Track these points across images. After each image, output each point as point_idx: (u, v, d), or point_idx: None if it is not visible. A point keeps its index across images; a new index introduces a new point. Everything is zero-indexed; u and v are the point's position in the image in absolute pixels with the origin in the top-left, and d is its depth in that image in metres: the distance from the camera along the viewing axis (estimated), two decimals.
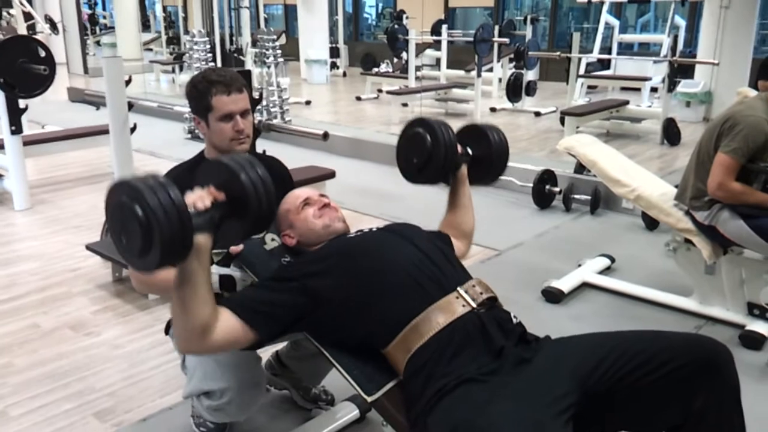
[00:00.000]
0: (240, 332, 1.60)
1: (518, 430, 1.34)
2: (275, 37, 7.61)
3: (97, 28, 17.77)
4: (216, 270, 1.82)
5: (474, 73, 8.61)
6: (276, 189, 2.02)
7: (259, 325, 1.62)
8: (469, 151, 2.15)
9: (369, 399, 1.65)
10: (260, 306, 1.64)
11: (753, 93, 3.09)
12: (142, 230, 1.33)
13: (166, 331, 2.20)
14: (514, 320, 1.68)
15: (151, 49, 14.70)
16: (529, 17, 10.29)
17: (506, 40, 9.34)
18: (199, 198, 1.47)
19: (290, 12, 16.04)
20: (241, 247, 1.83)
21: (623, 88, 9.67)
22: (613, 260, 3.76)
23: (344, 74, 13.03)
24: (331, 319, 1.69)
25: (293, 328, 1.70)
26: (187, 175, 2.04)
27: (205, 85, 1.97)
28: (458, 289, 1.66)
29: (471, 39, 8.50)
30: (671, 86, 6.91)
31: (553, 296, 3.35)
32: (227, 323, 1.58)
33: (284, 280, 1.70)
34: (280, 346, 2.42)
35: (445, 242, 1.96)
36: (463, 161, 2.13)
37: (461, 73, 10.29)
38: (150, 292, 2.03)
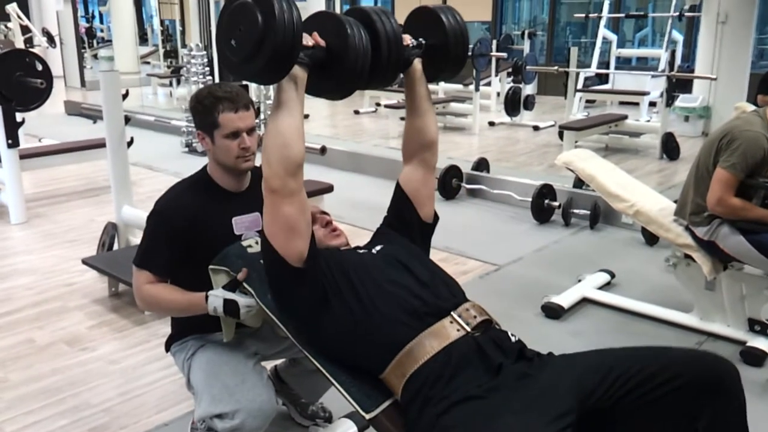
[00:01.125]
0: (305, 220, 1.65)
1: None
2: None
3: (95, 42, 17.84)
4: (222, 294, 1.82)
5: (472, 87, 8.65)
6: None
7: (312, 253, 1.67)
8: (422, 41, 1.86)
9: (367, 416, 1.63)
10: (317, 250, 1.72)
11: (751, 108, 3.09)
12: (259, 32, 1.46)
13: (167, 348, 2.17)
14: (513, 338, 1.66)
15: (148, 63, 14.74)
16: (526, 32, 10.32)
17: (504, 54, 9.35)
18: (304, 36, 1.56)
19: None
20: (246, 272, 1.81)
21: (622, 103, 9.71)
22: (612, 275, 3.75)
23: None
24: (329, 340, 1.68)
25: (299, 315, 1.71)
26: (188, 193, 2.03)
27: (212, 101, 1.95)
28: (452, 313, 1.64)
29: (469, 53, 8.53)
30: (669, 101, 6.92)
31: (552, 312, 3.33)
32: (306, 201, 1.66)
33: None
34: (279, 361, 2.40)
35: (424, 238, 1.96)
36: (415, 54, 1.85)
37: (459, 87, 10.31)
38: (150, 310, 2.01)
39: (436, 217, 2.01)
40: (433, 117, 1.96)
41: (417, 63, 1.87)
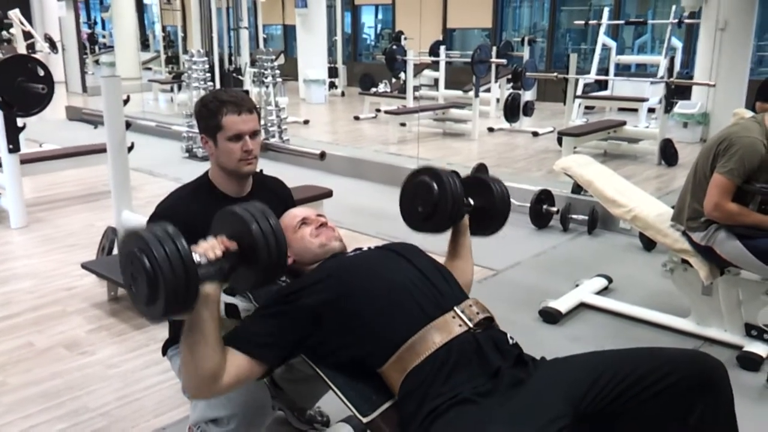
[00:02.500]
0: (248, 368, 1.61)
1: None
2: (274, 57, 7.65)
3: (97, 47, 17.87)
4: (223, 298, 1.82)
5: (472, 93, 8.67)
6: (278, 210, 2.03)
7: (265, 356, 1.64)
8: (471, 201, 2.13)
9: (364, 420, 1.64)
10: (264, 338, 1.64)
11: (749, 114, 3.10)
12: (149, 280, 1.38)
13: (164, 352, 2.18)
14: (511, 341, 1.68)
15: (149, 69, 14.76)
16: (526, 38, 10.37)
17: (504, 60, 9.40)
18: (210, 247, 1.50)
19: (289, 32, 16.14)
20: None
21: (620, 109, 9.72)
22: (610, 281, 3.76)
23: (343, 94, 13.08)
24: (328, 339, 1.68)
25: (298, 351, 1.70)
26: (189, 198, 2.04)
27: (216, 104, 1.97)
28: (455, 308, 1.66)
29: (469, 60, 8.55)
30: (668, 107, 6.94)
31: (550, 317, 3.33)
32: (235, 363, 1.59)
33: (283, 304, 1.70)
34: None
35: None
36: (466, 212, 2.11)
37: (459, 93, 10.34)
38: None
39: None
40: (471, 262, 2.15)
41: (466, 218, 2.12)
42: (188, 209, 2.00)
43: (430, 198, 2.02)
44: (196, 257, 1.46)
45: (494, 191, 2.14)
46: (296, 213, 1.97)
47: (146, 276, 1.38)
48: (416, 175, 2.10)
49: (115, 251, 3.83)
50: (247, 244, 1.52)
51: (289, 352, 1.68)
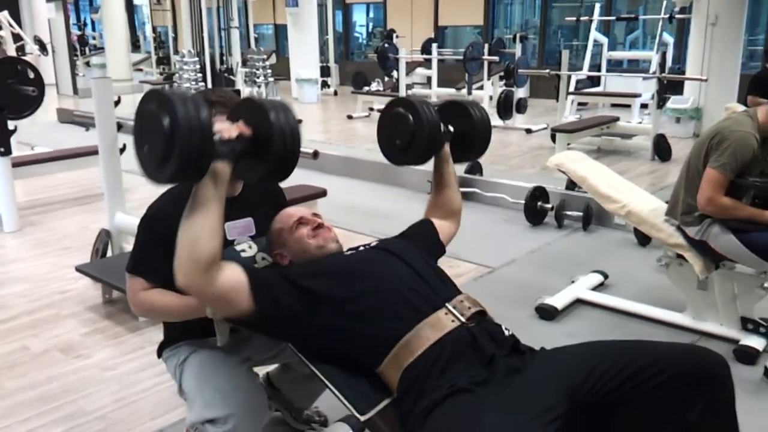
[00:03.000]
0: (241, 290, 1.62)
1: None
2: (265, 56, 7.65)
3: (87, 49, 17.81)
4: None
5: (464, 91, 8.68)
6: (269, 209, 2.02)
7: (260, 296, 1.64)
8: (451, 128, 2.11)
9: (362, 418, 1.63)
10: (265, 279, 1.68)
11: (741, 108, 3.11)
12: (166, 139, 1.41)
13: (159, 354, 2.17)
14: (506, 332, 1.69)
15: (141, 70, 14.73)
16: (518, 35, 10.36)
17: (496, 58, 9.40)
18: (226, 129, 1.53)
19: (280, 32, 16.13)
20: None
21: (613, 105, 9.74)
22: (606, 276, 3.76)
23: (335, 93, 13.08)
24: (323, 336, 1.68)
25: (284, 331, 1.71)
26: (178, 199, 2.02)
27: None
28: (447, 304, 1.67)
29: (461, 57, 8.56)
30: (661, 102, 6.95)
31: (546, 313, 3.34)
32: (233, 274, 1.61)
33: (285, 280, 1.71)
34: (271, 368, 2.40)
35: (431, 254, 1.97)
36: (446, 139, 2.10)
37: (452, 91, 10.34)
38: (147, 316, 2.01)
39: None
40: (458, 190, 2.17)
41: (447, 146, 2.10)
42: (180, 210, 1.99)
43: (406, 129, 2.01)
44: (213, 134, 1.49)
45: (473, 115, 2.12)
46: (292, 212, 1.96)
47: (163, 134, 1.41)
48: (391, 108, 2.10)
49: (109, 254, 3.81)
50: (263, 133, 1.55)
51: (277, 319, 1.67)
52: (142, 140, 1.50)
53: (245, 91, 7.36)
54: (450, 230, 2.11)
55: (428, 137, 2.00)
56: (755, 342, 2.92)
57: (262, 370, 2.32)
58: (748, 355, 2.87)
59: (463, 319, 1.63)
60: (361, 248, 1.91)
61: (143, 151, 1.50)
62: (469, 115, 2.12)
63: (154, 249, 1.98)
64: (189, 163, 1.44)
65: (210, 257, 1.54)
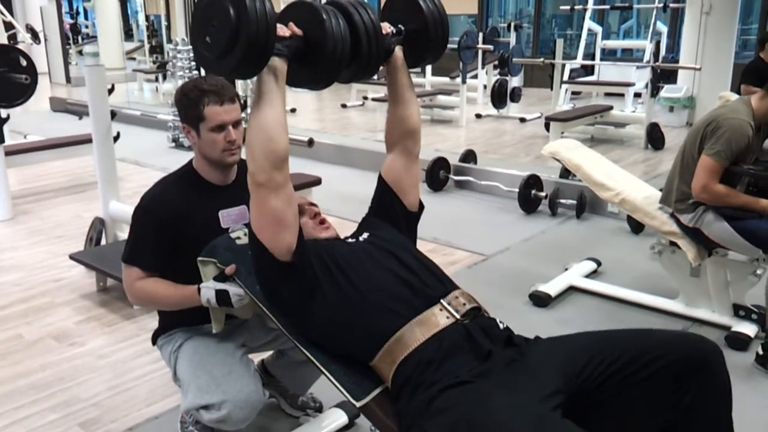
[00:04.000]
0: (292, 213, 1.66)
1: (520, 419, 1.33)
2: None
3: (80, 38, 17.69)
4: (213, 285, 1.83)
5: (459, 79, 8.65)
6: None
7: (301, 245, 1.67)
8: (402, 28, 1.84)
9: (357, 404, 1.63)
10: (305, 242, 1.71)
11: (735, 97, 3.11)
12: (231, 28, 1.46)
13: (154, 341, 2.17)
14: (501, 325, 1.67)
15: (134, 58, 14.63)
16: (512, 24, 10.33)
17: (490, 47, 9.38)
18: (280, 27, 1.56)
19: None
20: (234, 268, 1.82)
21: (607, 94, 9.74)
22: (599, 264, 3.78)
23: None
24: (317, 329, 1.69)
25: (287, 306, 1.72)
26: (174, 187, 2.03)
27: (197, 93, 1.94)
28: (441, 301, 1.65)
29: (455, 46, 8.53)
30: (654, 91, 6.96)
31: (540, 300, 3.35)
32: (293, 193, 1.65)
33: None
34: (266, 355, 2.40)
35: (408, 228, 1.96)
36: (396, 42, 1.84)
37: (446, 80, 10.32)
38: (143, 305, 2.00)
39: (421, 206, 2.01)
40: (416, 105, 1.95)
41: (398, 51, 1.86)
42: (174, 199, 1.99)
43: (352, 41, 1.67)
44: None
45: (423, 7, 1.83)
46: None
47: (230, 22, 1.45)
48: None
49: (103, 242, 3.81)
50: (316, 37, 1.59)
51: (301, 271, 1.68)
52: (203, 30, 1.53)
53: (238, 82, 7.32)
54: (408, 165, 1.95)
55: (368, 46, 1.68)
56: (747, 328, 2.94)
57: (257, 357, 2.33)
58: (739, 342, 2.89)
59: (458, 316, 1.62)
60: (350, 240, 1.88)
61: (204, 41, 1.53)
62: (417, 6, 1.82)
63: (149, 238, 1.98)
64: (254, 52, 1.48)
65: (285, 152, 1.59)
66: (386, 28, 1.81)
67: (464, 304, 1.65)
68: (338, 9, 1.67)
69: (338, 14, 1.61)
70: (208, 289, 1.83)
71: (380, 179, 1.99)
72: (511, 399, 1.39)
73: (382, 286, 1.67)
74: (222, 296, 1.82)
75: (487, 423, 1.35)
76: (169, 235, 1.96)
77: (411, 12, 1.84)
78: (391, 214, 1.95)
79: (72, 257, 3.61)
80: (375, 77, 8.35)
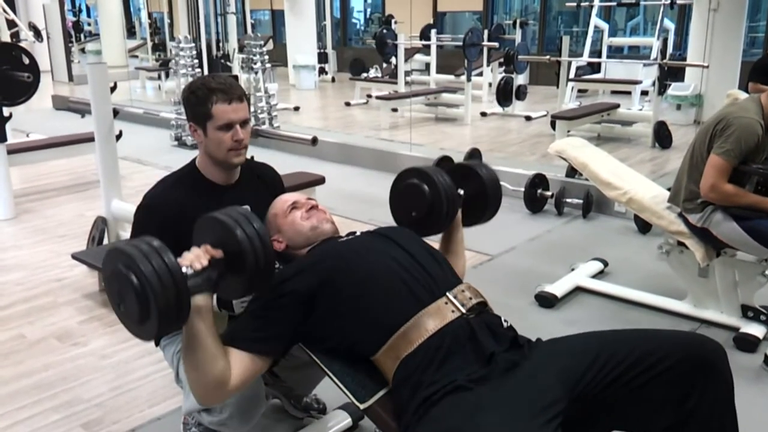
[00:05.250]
0: (254, 365, 1.60)
1: None
2: (262, 42, 7.57)
3: (82, 36, 17.66)
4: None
5: (464, 77, 8.62)
6: (267, 196, 1.99)
7: (269, 350, 1.63)
8: (461, 192, 2.02)
9: (361, 406, 1.63)
10: (263, 331, 1.62)
11: (743, 95, 3.09)
12: (139, 298, 1.34)
13: (156, 342, 2.15)
14: (505, 324, 1.66)
15: (136, 56, 14.63)
16: (518, 21, 10.31)
17: (496, 44, 9.35)
18: (195, 258, 1.47)
19: (277, 17, 16.01)
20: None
21: (614, 92, 9.69)
22: (606, 264, 3.74)
23: (333, 80, 13.01)
24: (321, 324, 1.66)
25: (297, 337, 1.69)
26: (176, 187, 2.00)
27: (205, 92, 1.92)
28: (447, 294, 1.64)
29: (460, 43, 8.50)
30: (662, 89, 6.92)
31: (546, 301, 3.32)
32: (241, 364, 1.57)
33: (276, 295, 1.66)
34: None
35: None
36: (458, 205, 2.02)
37: (451, 77, 10.29)
38: None
39: None
40: (464, 257, 2.09)
41: (458, 212, 2.03)
42: (176, 198, 1.97)
43: (422, 201, 1.93)
44: (183, 269, 1.42)
45: (483, 176, 2.06)
46: (286, 198, 1.96)
47: (135, 293, 1.34)
48: (404, 179, 2.02)
49: (106, 241, 3.79)
50: (233, 251, 1.49)
51: (290, 340, 1.66)
52: (116, 300, 1.42)
53: (242, 77, 7.29)
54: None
55: (447, 209, 1.93)
56: (755, 330, 2.91)
57: None
58: (748, 343, 2.86)
59: (463, 310, 1.61)
60: (358, 233, 1.89)
61: (120, 311, 1.42)
62: (478, 176, 2.06)
63: (154, 236, 1.95)
64: (170, 315, 1.36)
65: (220, 379, 1.53)
66: None
67: (470, 299, 1.64)
68: (422, 175, 1.94)
69: (250, 218, 1.52)
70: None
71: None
72: (500, 416, 1.38)
73: (388, 278, 1.66)
74: (223, 301, 1.80)
75: None
76: (171, 234, 1.93)
77: (471, 178, 2.06)
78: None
79: (74, 257, 3.59)
80: (379, 75, 8.29)
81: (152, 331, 1.38)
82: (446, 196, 1.92)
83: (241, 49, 8.38)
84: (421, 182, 1.94)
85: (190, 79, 4.86)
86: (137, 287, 1.33)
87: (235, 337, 1.61)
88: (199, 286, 1.46)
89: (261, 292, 1.64)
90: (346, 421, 2.31)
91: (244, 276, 1.51)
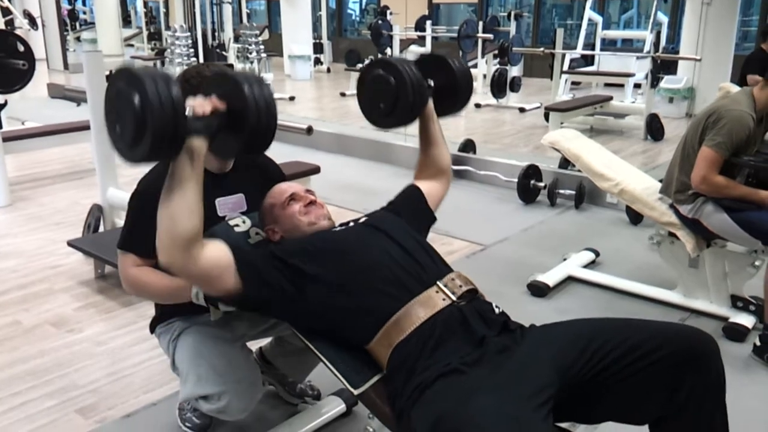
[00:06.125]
0: (226, 269, 1.60)
1: (497, 424, 1.32)
2: (258, 32, 7.58)
3: (77, 24, 17.55)
4: None
5: None
6: (262, 185, 2.00)
7: (248, 276, 1.63)
8: (431, 83, 2.02)
9: (356, 392, 1.64)
10: (255, 264, 1.65)
11: (735, 88, 3.10)
12: (136, 118, 1.37)
13: (152, 330, 2.17)
14: (497, 310, 1.68)
15: (132, 45, 14.59)
16: (512, 13, 10.28)
17: (490, 36, 9.36)
18: (199, 104, 1.49)
19: (273, 7, 15.96)
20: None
21: (607, 84, 9.72)
22: (597, 254, 3.78)
23: (328, 70, 12.99)
24: (314, 314, 1.68)
25: (274, 310, 1.71)
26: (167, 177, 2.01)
27: (199, 80, 1.91)
28: (438, 282, 1.66)
29: (455, 35, 8.51)
30: (654, 82, 6.95)
31: (538, 290, 3.35)
32: (217, 252, 1.59)
33: (274, 259, 1.69)
34: (264, 342, 2.40)
35: (421, 224, 1.98)
36: (429, 95, 2.02)
37: None
38: (136, 294, 2.00)
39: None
40: (446, 147, 2.10)
41: (430, 102, 2.02)
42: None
43: (389, 91, 1.92)
44: (187, 110, 1.46)
45: (453, 66, 2.04)
46: (284, 188, 1.94)
47: (134, 113, 1.37)
48: (370, 71, 2.01)
49: (101, 229, 3.80)
50: (237, 107, 1.52)
51: (265, 300, 1.66)
52: (113, 120, 1.46)
53: (238, 66, 7.30)
54: (439, 191, 2.07)
55: (413, 97, 1.92)
56: (744, 320, 2.95)
57: (255, 345, 2.33)
58: (737, 333, 2.89)
59: (454, 298, 1.63)
60: (351, 224, 1.89)
61: (115, 131, 1.45)
62: (448, 66, 2.04)
63: (145, 223, 1.96)
64: (162, 141, 1.40)
65: (190, 235, 1.52)
66: None
67: (460, 286, 1.66)
68: (387, 65, 1.92)
69: (261, 81, 1.56)
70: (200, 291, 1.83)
71: (417, 189, 2.05)
72: (494, 399, 1.38)
73: (379, 267, 1.67)
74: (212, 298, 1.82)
75: (468, 425, 1.35)
76: None
77: (441, 69, 2.04)
78: (417, 216, 2.00)
79: (70, 244, 3.60)
80: None
81: (142, 153, 1.42)
82: (412, 84, 1.90)
83: (236, 39, 8.38)
84: (387, 73, 1.93)
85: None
86: (137, 107, 1.36)
87: (229, 242, 1.65)
88: (198, 130, 1.48)
89: (255, 153, 1.69)
90: (341, 407, 2.33)
91: (243, 135, 1.54)
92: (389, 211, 2.00)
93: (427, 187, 2.06)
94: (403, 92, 1.91)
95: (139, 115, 1.36)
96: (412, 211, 1.98)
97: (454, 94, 2.06)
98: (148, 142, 1.38)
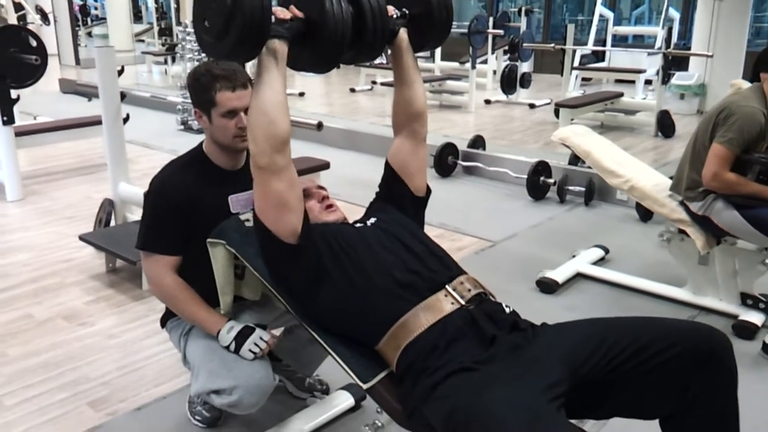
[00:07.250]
0: (296, 195, 1.67)
1: (514, 414, 1.32)
2: None
3: (89, 19, 17.65)
4: (236, 331, 1.94)
5: (468, 65, 8.60)
6: None
7: (305, 226, 1.68)
8: (405, 11, 1.87)
9: (365, 386, 1.65)
10: (311, 225, 1.73)
11: (746, 85, 3.09)
12: (227, 11, 1.48)
13: (162, 324, 2.19)
14: (507, 309, 1.67)
15: (143, 41, 14.61)
16: (523, 9, 10.25)
17: (501, 31, 9.32)
18: (281, 10, 1.59)
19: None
20: (273, 342, 1.98)
21: (618, 81, 9.67)
22: (607, 251, 3.77)
23: (338, 66, 12.95)
24: (324, 314, 1.70)
25: (297, 280, 1.72)
26: (183, 171, 2.03)
27: (209, 79, 1.93)
28: (447, 287, 1.65)
29: (465, 31, 8.48)
30: (665, 78, 6.91)
31: (547, 287, 3.35)
32: (296, 176, 1.67)
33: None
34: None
35: (416, 212, 1.97)
36: (400, 24, 1.86)
37: (456, 65, 10.27)
38: (162, 301, 2.00)
39: (428, 191, 2.02)
40: (421, 87, 1.95)
41: (403, 33, 1.87)
42: (184, 182, 1.99)
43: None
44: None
45: None
46: None
47: (225, 4, 1.48)
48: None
49: (113, 223, 3.83)
50: (316, 17, 1.60)
51: (311, 251, 1.69)
52: (202, 14, 1.57)
53: (248, 62, 7.31)
54: (415, 149, 1.96)
55: (373, 27, 1.70)
56: (754, 317, 2.94)
57: None
58: (747, 330, 2.88)
59: (462, 302, 1.62)
60: (358, 225, 1.89)
61: (203, 25, 1.57)
62: None
63: (164, 221, 1.98)
64: (249, 36, 1.51)
65: (285, 134, 1.60)
66: (391, 11, 1.82)
67: (469, 290, 1.65)
68: None
69: (342, 2, 1.61)
70: (231, 330, 1.93)
71: (387, 164, 2.00)
72: (508, 391, 1.38)
73: (389, 271, 1.67)
74: (238, 344, 1.91)
75: (482, 415, 1.35)
76: (181, 216, 1.97)
77: None
78: (398, 198, 1.96)
79: (81, 238, 3.63)
80: (384, 61, 8.26)
81: (227, 47, 1.53)
82: (372, 13, 1.69)
83: None
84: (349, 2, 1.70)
85: (196, 64, 4.87)
86: (229, 2, 1.47)
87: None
88: (279, 32, 1.57)
89: (328, 66, 1.72)
90: (349, 401, 2.34)
91: (320, 45, 1.62)
92: (383, 200, 1.99)
93: (399, 152, 1.97)
94: (365, 21, 1.70)
95: (230, 7, 1.48)
96: (396, 197, 1.96)
97: (430, 24, 1.89)
98: (236, 34, 1.49)
